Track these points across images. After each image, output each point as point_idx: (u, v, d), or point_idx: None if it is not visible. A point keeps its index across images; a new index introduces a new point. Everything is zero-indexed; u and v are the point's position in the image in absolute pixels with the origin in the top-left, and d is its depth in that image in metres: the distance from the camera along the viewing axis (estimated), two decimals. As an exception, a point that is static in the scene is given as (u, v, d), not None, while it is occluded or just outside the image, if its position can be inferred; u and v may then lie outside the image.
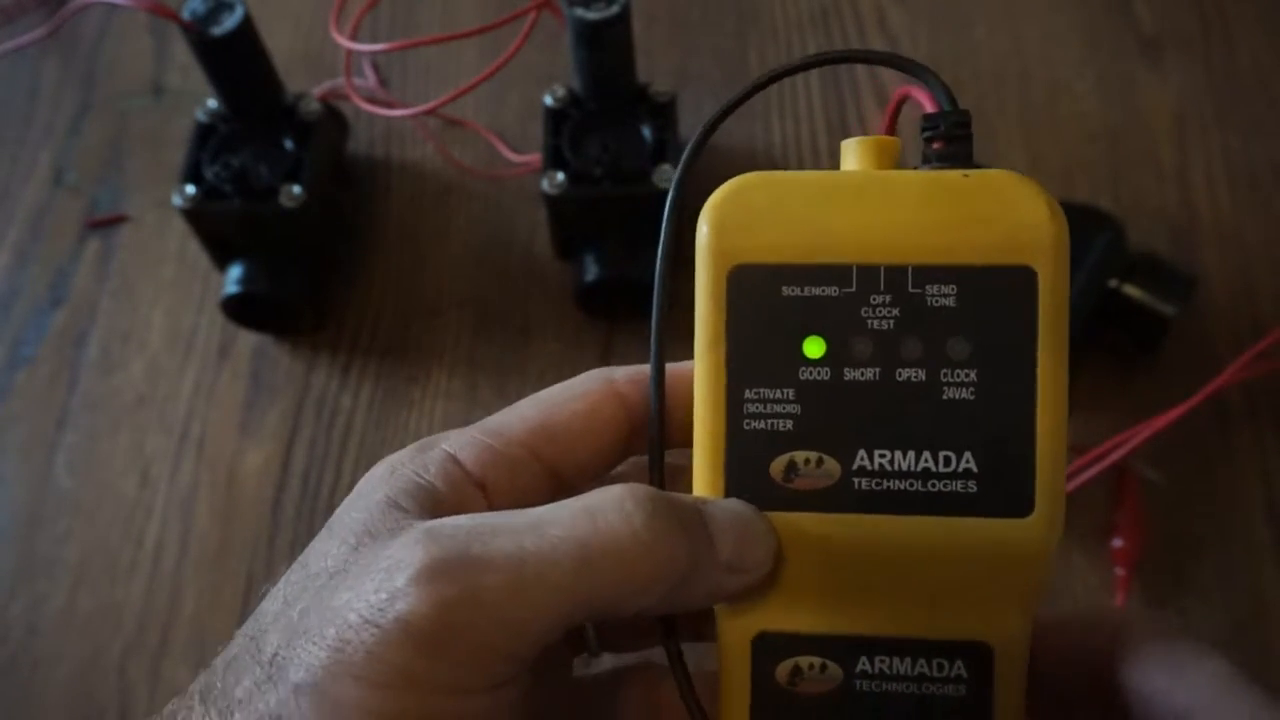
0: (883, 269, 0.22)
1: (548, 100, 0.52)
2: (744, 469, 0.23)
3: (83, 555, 0.51)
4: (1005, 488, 0.22)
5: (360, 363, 0.55)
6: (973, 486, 0.22)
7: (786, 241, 0.23)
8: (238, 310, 0.53)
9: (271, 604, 0.23)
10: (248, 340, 0.55)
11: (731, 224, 0.23)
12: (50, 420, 0.54)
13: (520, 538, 0.21)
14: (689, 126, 0.58)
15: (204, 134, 0.52)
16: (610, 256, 0.52)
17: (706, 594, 0.22)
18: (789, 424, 0.23)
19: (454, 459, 0.24)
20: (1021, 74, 0.60)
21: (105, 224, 0.59)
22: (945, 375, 0.22)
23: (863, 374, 0.22)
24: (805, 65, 0.26)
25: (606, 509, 0.21)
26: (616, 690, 0.27)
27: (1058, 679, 0.24)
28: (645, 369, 0.25)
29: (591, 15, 0.47)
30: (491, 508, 0.24)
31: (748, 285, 0.23)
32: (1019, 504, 0.22)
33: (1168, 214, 0.55)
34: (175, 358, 0.55)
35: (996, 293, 0.22)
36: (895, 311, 0.22)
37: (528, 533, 0.21)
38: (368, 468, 0.52)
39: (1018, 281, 0.22)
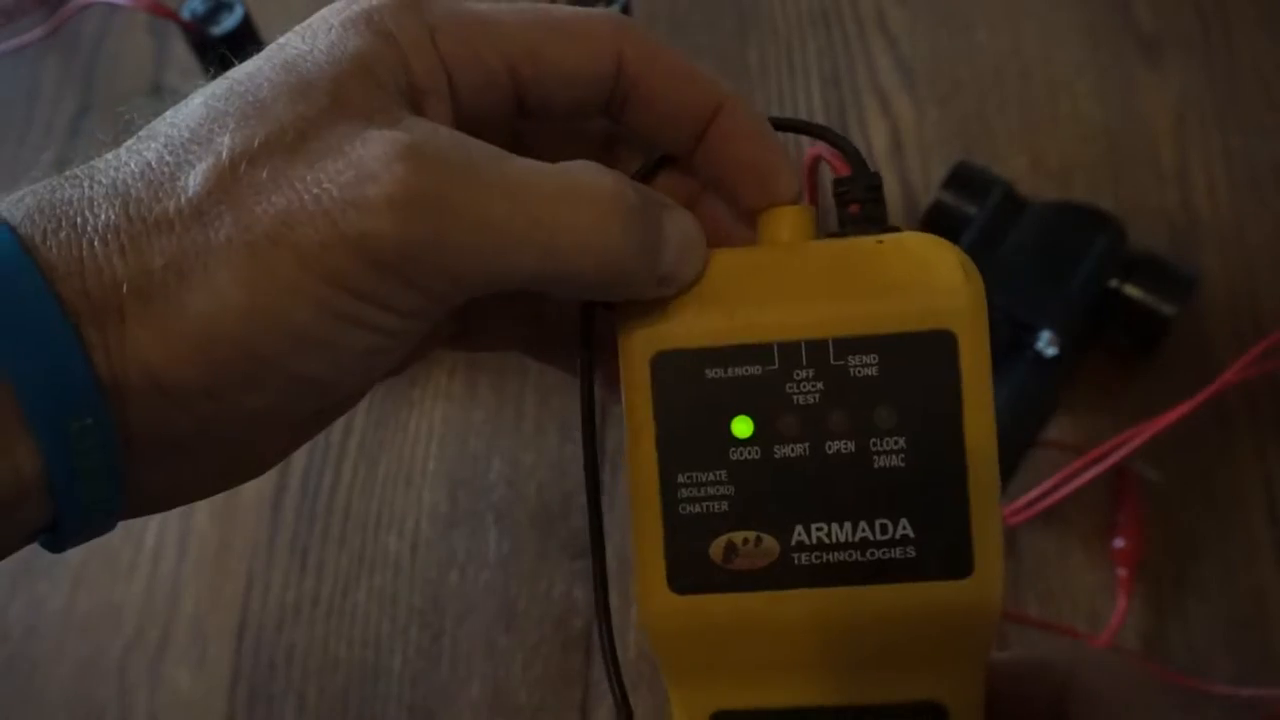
0: (803, 344, 0.22)
1: (548, 100, 0.52)
2: (683, 553, 0.23)
3: (83, 555, 0.51)
4: (943, 550, 0.22)
5: (360, 363, 0.54)
6: (911, 552, 0.22)
7: (706, 324, 0.23)
8: (238, 310, 0.53)
9: (202, 111, 0.21)
10: (248, 340, 0.55)
11: (652, 308, 0.23)
12: (50, 420, 0.54)
13: (499, 199, 0.20)
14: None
15: (204, 134, 0.53)
16: (610, 256, 0.51)
17: (632, 293, 0.22)
18: (724, 505, 0.23)
19: (435, 35, 0.22)
20: (1021, 74, 0.60)
21: (105, 224, 0.59)
22: (874, 444, 0.22)
23: (792, 450, 0.22)
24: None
25: (600, 184, 0.21)
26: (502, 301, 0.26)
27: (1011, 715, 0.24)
28: (675, 55, 0.24)
29: (591, 15, 0.47)
30: (457, 108, 0.22)
31: (671, 370, 0.23)
32: (958, 565, 0.22)
33: (1168, 214, 0.55)
34: (175, 358, 0.55)
35: (918, 359, 0.22)
36: (819, 385, 0.22)
37: (516, 193, 0.20)
38: (368, 468, 0.52)
39: (938, 346, 0.22)
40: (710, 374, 0.23)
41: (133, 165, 0.21)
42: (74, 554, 0.51)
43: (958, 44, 0.61)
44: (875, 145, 0.59)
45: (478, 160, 0.20)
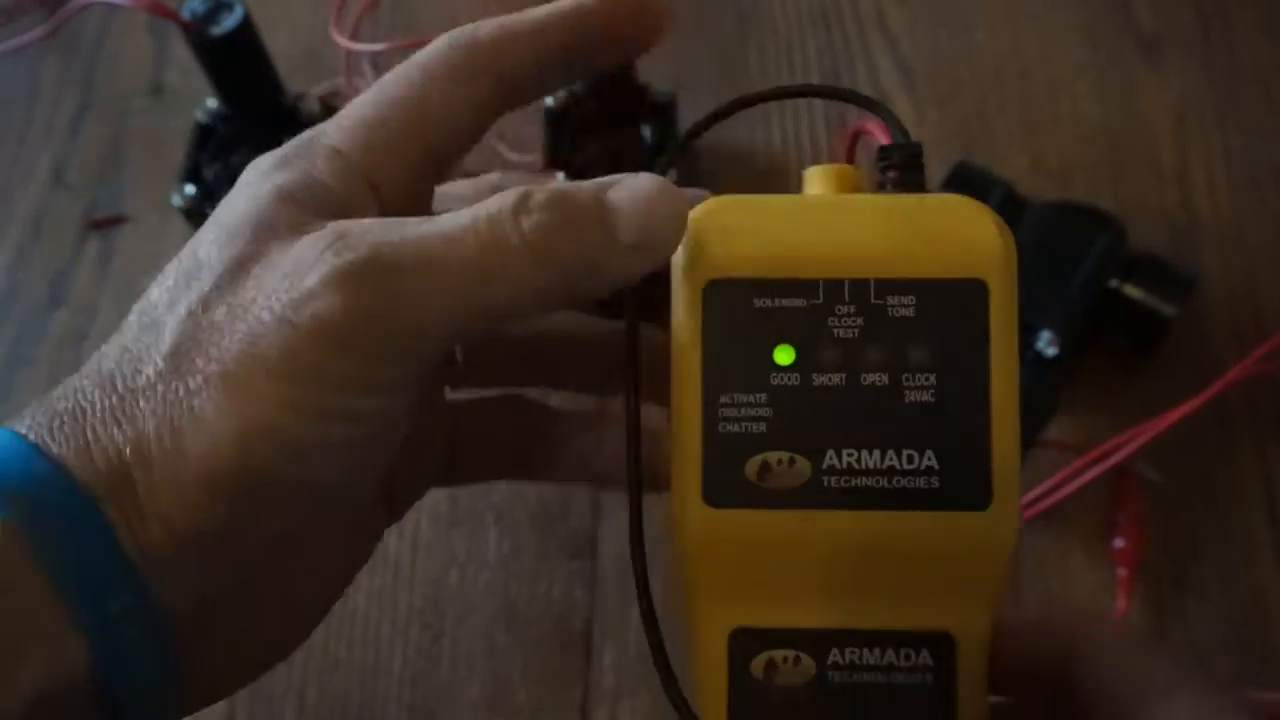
0: (847, 283, 0.24)
1: (548, 100, 0.52)
2: (720, 470, 0.24)
3: (83, 555, 0.51)
4: (964, 483, 0.24)
5: (360, 363, 0.54)
6: (935, 482, 0.24)
7: (758, 257, 0.24)
8: (238, 310, 0.53)
9: (159, 293, 0.23)
10: (248, 340, 0.55)
11: (707, 241, 0.24)
12: (50, 420, 0.54)
13: (425, 244, 0.21)
14: (689, 126, 0.58)
15: (204, 134, 0.52)
16: (610, 256, 0.52)
17: (615, 278, 0.23)
18: (762, 426, 0.24)
19: (340, 153, 0.24)
20: (1021, 74, 0.60)
21: (105, 224, 0.59)
22: (906, 380, 0.24)
23: (830, 379, 0.24)
24: (759, 99, 0.28)
25: (502, 215, 0.21)
26: (492, 414, 0.28)
27: (1015, 681, 0.25)
28: (505, 19, 0.25)
29: (591, 15, 0.47)
30: (383, 206, 0.24)
31: (722, 298, 0.24)
32: (977, 498, 0.24)
33: (1168, 214, 0.55)
34: (175, 358, 0.55)
35: (952, 303, 0.24)
36: (859, 321, 0.24)
37: (432, 239, 0.21)
38: None
39: (971, 293, 0.24)
40: (758, 304, 0.24)
41: (113, 352, 0.22)
42: (74, 554, 0.51)
43: (958, 44, 0.61)
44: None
45: (396, 230, 0.21)
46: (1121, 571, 0.46)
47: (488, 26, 0.24)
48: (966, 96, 0.60)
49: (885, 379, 0.24)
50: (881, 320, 0.24)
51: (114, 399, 0.21)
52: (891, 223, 0.24)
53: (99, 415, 0.21)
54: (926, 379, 0.24)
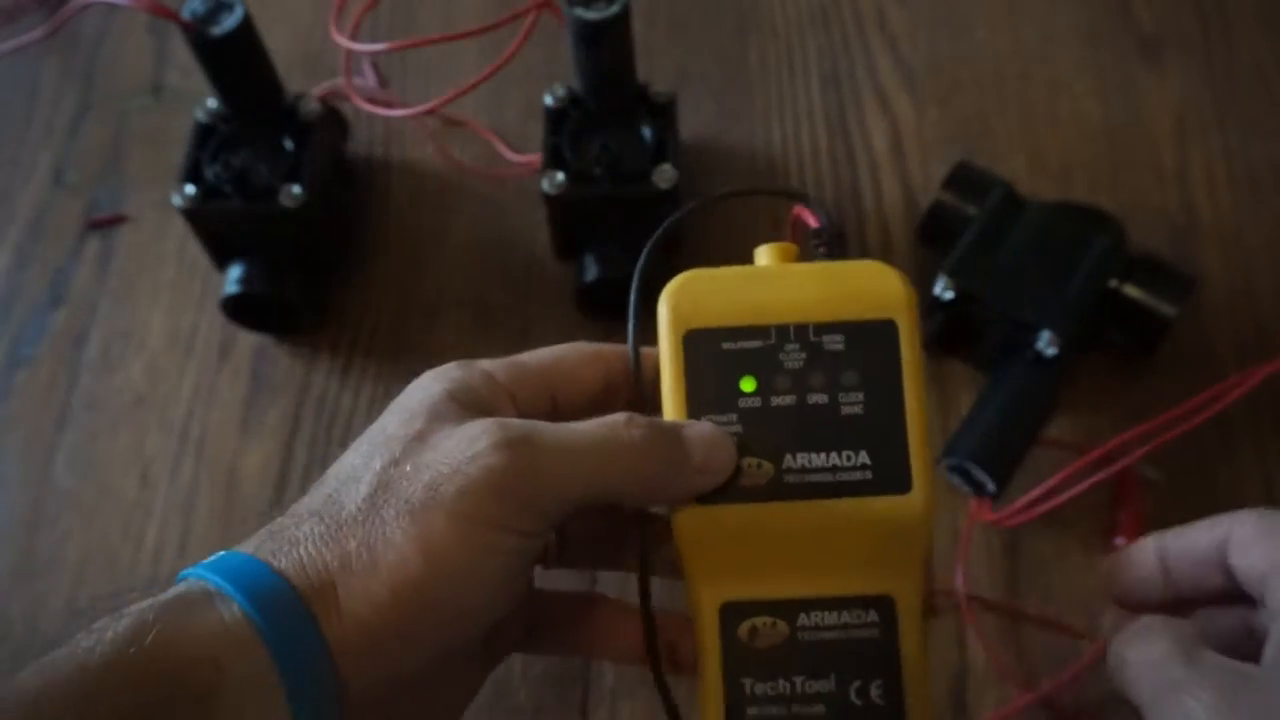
0: (792, 327, 0.31)
1: (548, 100, 0.52)
2: None
3: (83, 555, 0.51)
4: (890, 473, 0.31)
5: (360, 363, 0.55)
6: (869, 475, 0.31)
7: (724, 312, 0.32)
8: (238, 310, 0.53)
9: (354, 458, 0.30)
10: (248, 340, 0.55)
11: (684, 303, 0.32)
12: (50, 420, 0.54)
13: (561, 434, 0.29)
14: (689, 126, 0.58)
15: (204, 134, 0.52)
16: (610, 256, 0.52)
17: (685, 490, 0.30)
18: (735, 439, 0.31)
19: (492, 375, 0.32)
20: (1021, 74, 0.60)
21: (105, 224, 0.59)
22: (841, 398, 0.31)
23: (784, 400, 0.31)
24: (707, 203, 0.37)
25: (616, 424, 0.30)
26: (566, 605, 0.35)
27: (1192, 576, 0.32)
28: (622, 347, 0.33)
29: (591, 15, 0.47)
30: (519, 417, 0.31)
31: (698, 343, 0.32)
32: (901, 484, 0.31)
33: (1168, 214, 0.55)
34: (175, 358, 0.55)
35: (871, 338, 0.31)
36: (803, 356, 0.31)
37: (565, 432, 0.29)
38: None
39: (885, 330, 0.31)
40: (725, 346, 0.31)
41: (319, 498, 0.29)
42: (74, 554, 0.51)
43: (958, 44, 0.61)
44: (875, 145, 0.59)
45: (541, 425, 0.30)
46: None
47: (607, 348, 0.34)
48: (966, 96, 0.60)
49: (825, 398, 0.31)
50: (820, 354, 0.31)
51: (321, 529, 0.28)
52: (823, 282, 0.32)
53: (311, 540, 0.28)
54: (856, 396, 0.31)
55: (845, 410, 0.31)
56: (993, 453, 0.47)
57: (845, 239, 0.35)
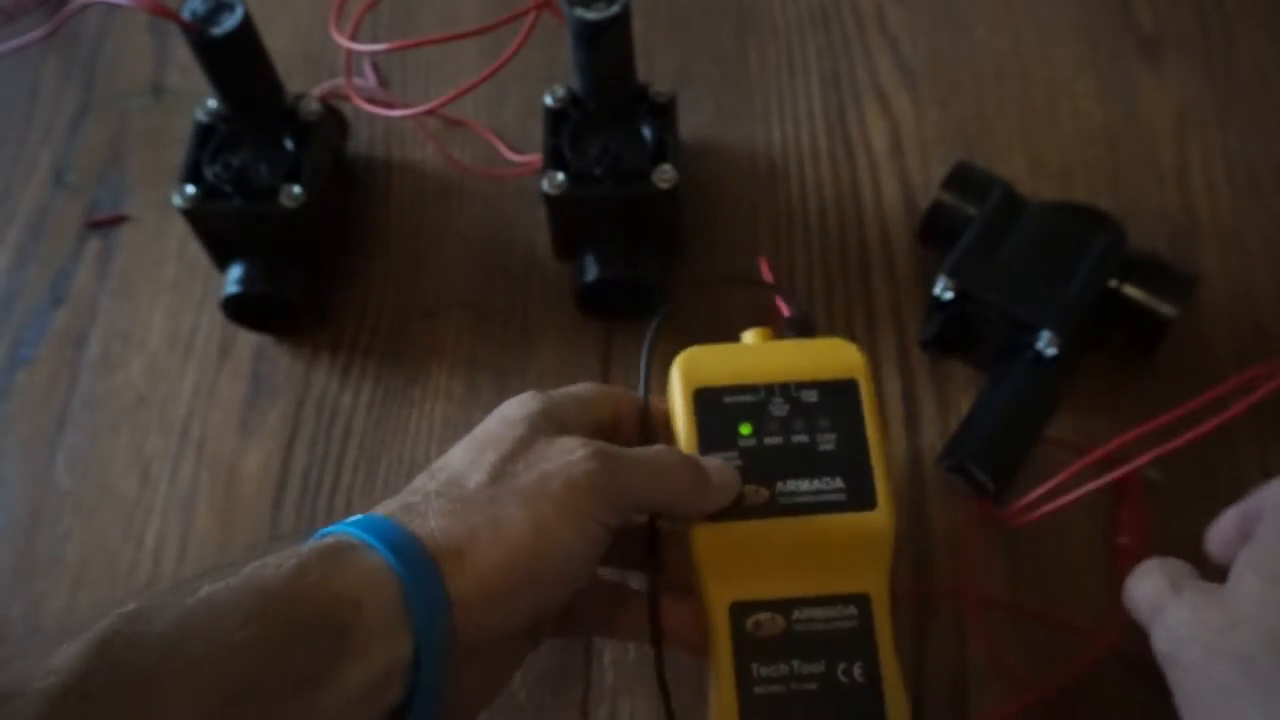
0: (778, 385, 0.41)
1: (548, 100, 0.52)
2: None
3: (83, 555, 0.51)
4: (860, 494, 0.39)
5: (360, 363, 0.55)
6: (843, 496, 0.39)
7: (724, 374, 0.41)
8: (238, 310, 0.53)
9: (463, 453, 0.37)
10: (248, 340, 0.55)
11: (692, 369, 0.41)
12: (50, 420, 0.54)
13: (631, 454, 0.37)
14: (689, 126, 0.58)
15: (204, 134, 0.52)
16: (610, 256, 0.52)
17: (704, 504, 0.38)
18: (738, 469, 0.39)
19: (559, 402, 0.40)
20: (1021, 74, 0.60)
21: (105, 224, 0.59)
22: (818, 438, 0.40)
23: (774, 440, 0.40)
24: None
25: (661, 451, 0.39)
26: (603, 592, 0.42)
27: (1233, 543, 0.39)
28: (621, 389, 0.43)
29: (591, 15, 0.47)
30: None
31: (705, 398, 0.41)
32: (869, 503, 0.39)
33: (1168, 214, 0.55)
34: (175, 358, 0.55)
35: (839, 393, 0.41)
36: (787, 406, 0.40)
37: (634, 452, 0.38)
38: (368, 468, 0.54)
39: (849, 386, 0.41)
40: (727, 400, 0.41)
41: (438, 482, 0.36)
42: (74, 554, 0.51)
43: (957, 44, 0.61)
44: (875, 145, 0.59)
45: (613, 445, 0.37)
46: (1123, 570, 0.46)
47: (614, 389, 0.43)
48: (966, 96, 0.60)
49: (806, 438, 0.40)
50: (800, 405, 0.40)
51: (447, 506, 0.35)
52: (799, 353, 0.42)
53: (438, 514, 0.35)
54: (830, 436, 0.40)
55: (822, 447, 0.40)
56: (993, 453, 0.47)
57: (813, 325, 0.47)
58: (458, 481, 0.36)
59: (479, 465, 0.36)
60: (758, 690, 0.38)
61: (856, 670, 0.38)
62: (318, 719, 0.31)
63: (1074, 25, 0.61)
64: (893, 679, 0.38)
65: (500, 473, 0.36)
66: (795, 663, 0.38)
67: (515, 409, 0.39)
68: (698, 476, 0.38)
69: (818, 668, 0.38)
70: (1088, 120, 0.58)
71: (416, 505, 0.35)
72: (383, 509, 0.36)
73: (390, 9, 0.64)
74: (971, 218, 0.51)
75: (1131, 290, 0.48)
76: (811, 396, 0.40)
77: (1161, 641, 0.38)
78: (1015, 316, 0.47)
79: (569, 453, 0.36)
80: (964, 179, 0.52)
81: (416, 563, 0.33)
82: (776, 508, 0.39)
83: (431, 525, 0.35)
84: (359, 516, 0.35)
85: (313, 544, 0.34)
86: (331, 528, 0.35)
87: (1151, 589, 0.39)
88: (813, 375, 0.41)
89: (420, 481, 0.37)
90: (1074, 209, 0.51)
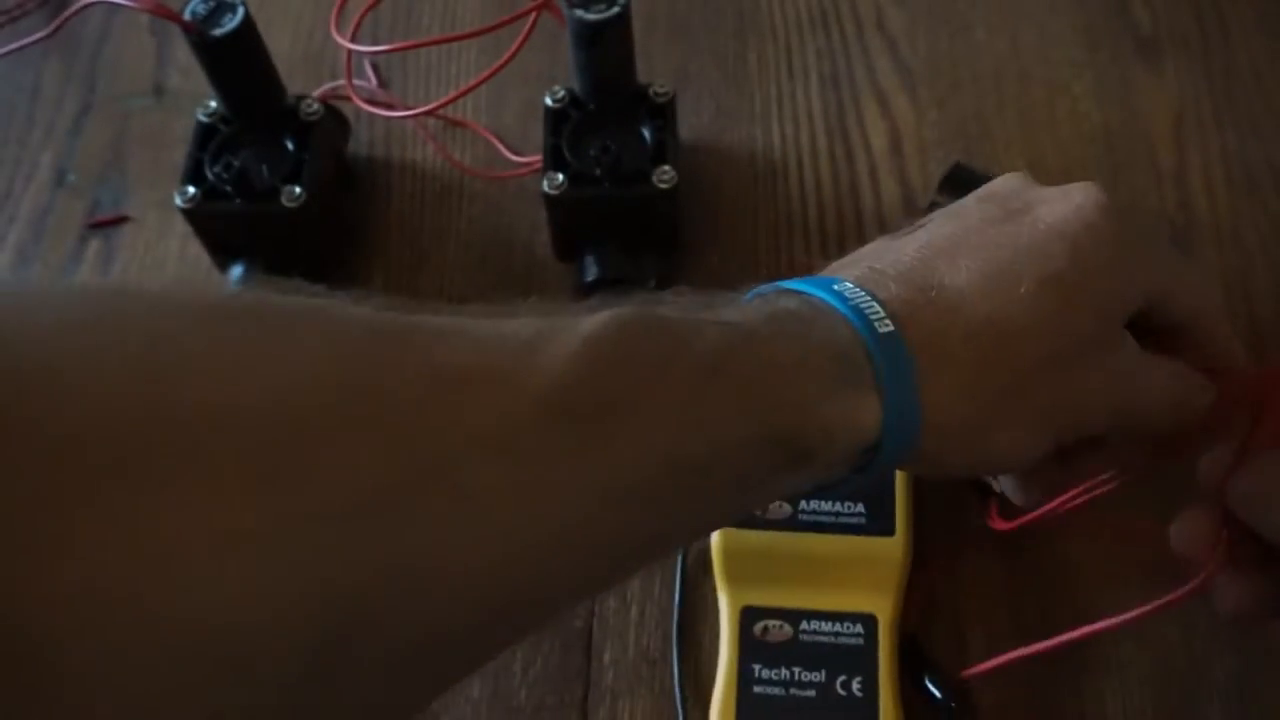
0: None
1: (548, 101, 0.52)
2: None
3: (84, 555, 0.51)
4: (880, 520, 0.42)
5: (361, 363, 0.55)
6: (863, 520, 0.42)
7: None
8: (239, 310, 0.53)
9: (915, 244, 0.36)
10: (249, 340, 0.55)
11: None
12: (52, 420, 0.54)
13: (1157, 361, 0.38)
14: (689, 127, 0.58)
15: (205, 134, 0.53)
16: (610, 257, 0.52)
17: (1167, 417, 0.37)
18: None
19: None
20: (1020, 75, 0.60)
21: (106, 224, 0.59)
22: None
23: None
24: None
25: (1177, 384, 0.38)
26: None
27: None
28: None
29: (591, 15, 0.47)
30: None
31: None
32: (887, 528, 0.42)
33: (1167, 214, 0.56)
34: (176, 358, 0.55)
35: None
36: None
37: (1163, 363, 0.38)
38: None
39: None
40: None
41: (904, 262, 0.35)
42: (75, 553, 0.51)
43: (956, 45, 0.62)
44: (874, 146, 0.59)
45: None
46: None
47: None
48: (965, 97, 0.60)
49: None
50: None
51: (874, 273, 0.34)
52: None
53: (894, 280, 0.34)
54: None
55: None
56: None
57: None
58: (921, 277, 0.34)
59: (957, 268, 0.35)
60: (757, 690, 0.40)
61: (855, 685, 0.40)
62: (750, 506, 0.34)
63: (1072, 26, 0.61)
64: (889, 698, 0.40)
65: (985, 249, 0.35)
66: (797, 669, 0.41)
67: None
68: (1203, 395, 0.37)
69: (818, 677, 0.40)
70: (1086, 121, 0.59)
71: (878, 282, 0.34)
72: (847, 275, 0.35)
73: (390, 10, 0.65)
74: (970, 218, 0.51)
75: (1130, 290, 0.48)
76: None
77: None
78: (1014, 317, 0.47)
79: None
80: (961, 180, 0.52)
81: (889, 351, 0.31)
82: (797, 523, 0.41)
83: (893, 290, 0.33)
84: (816, 278, 0.35)
85: (799, 300, 0.33)
86: (794, 283, 0.35)
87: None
88: None
89: (869, 255, 0.37)
90: (1073, 209, 0.51)
